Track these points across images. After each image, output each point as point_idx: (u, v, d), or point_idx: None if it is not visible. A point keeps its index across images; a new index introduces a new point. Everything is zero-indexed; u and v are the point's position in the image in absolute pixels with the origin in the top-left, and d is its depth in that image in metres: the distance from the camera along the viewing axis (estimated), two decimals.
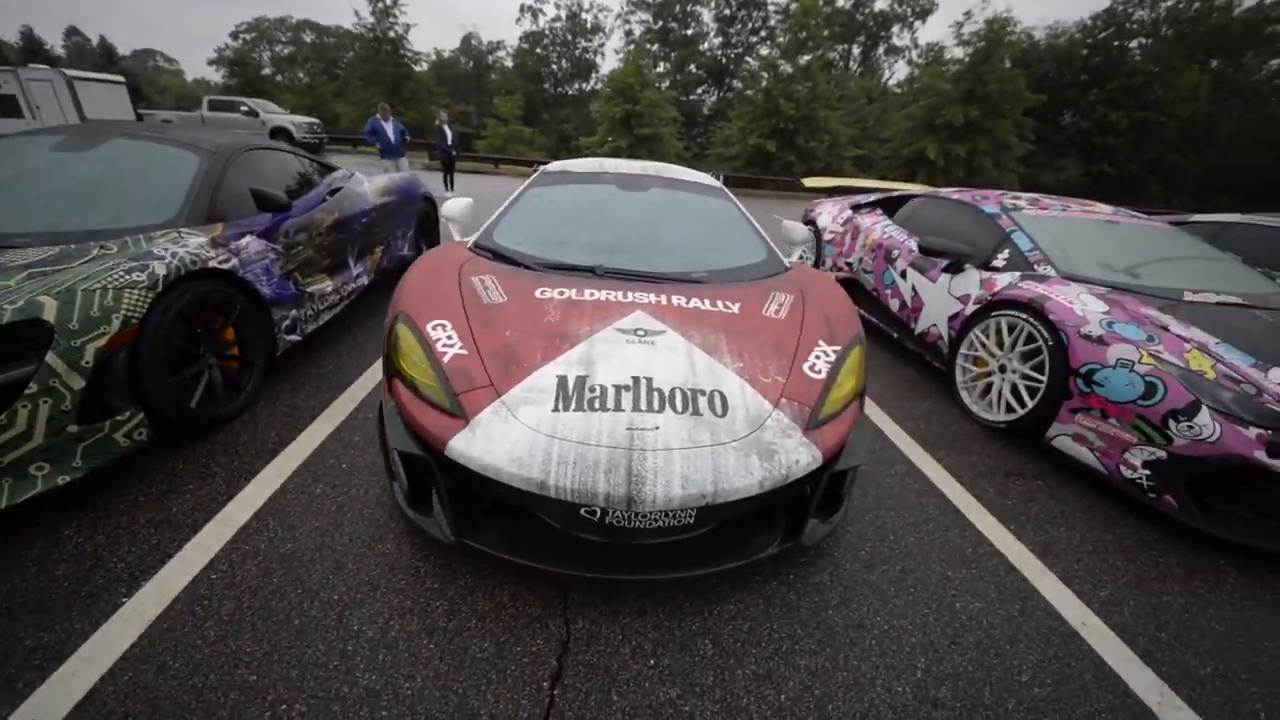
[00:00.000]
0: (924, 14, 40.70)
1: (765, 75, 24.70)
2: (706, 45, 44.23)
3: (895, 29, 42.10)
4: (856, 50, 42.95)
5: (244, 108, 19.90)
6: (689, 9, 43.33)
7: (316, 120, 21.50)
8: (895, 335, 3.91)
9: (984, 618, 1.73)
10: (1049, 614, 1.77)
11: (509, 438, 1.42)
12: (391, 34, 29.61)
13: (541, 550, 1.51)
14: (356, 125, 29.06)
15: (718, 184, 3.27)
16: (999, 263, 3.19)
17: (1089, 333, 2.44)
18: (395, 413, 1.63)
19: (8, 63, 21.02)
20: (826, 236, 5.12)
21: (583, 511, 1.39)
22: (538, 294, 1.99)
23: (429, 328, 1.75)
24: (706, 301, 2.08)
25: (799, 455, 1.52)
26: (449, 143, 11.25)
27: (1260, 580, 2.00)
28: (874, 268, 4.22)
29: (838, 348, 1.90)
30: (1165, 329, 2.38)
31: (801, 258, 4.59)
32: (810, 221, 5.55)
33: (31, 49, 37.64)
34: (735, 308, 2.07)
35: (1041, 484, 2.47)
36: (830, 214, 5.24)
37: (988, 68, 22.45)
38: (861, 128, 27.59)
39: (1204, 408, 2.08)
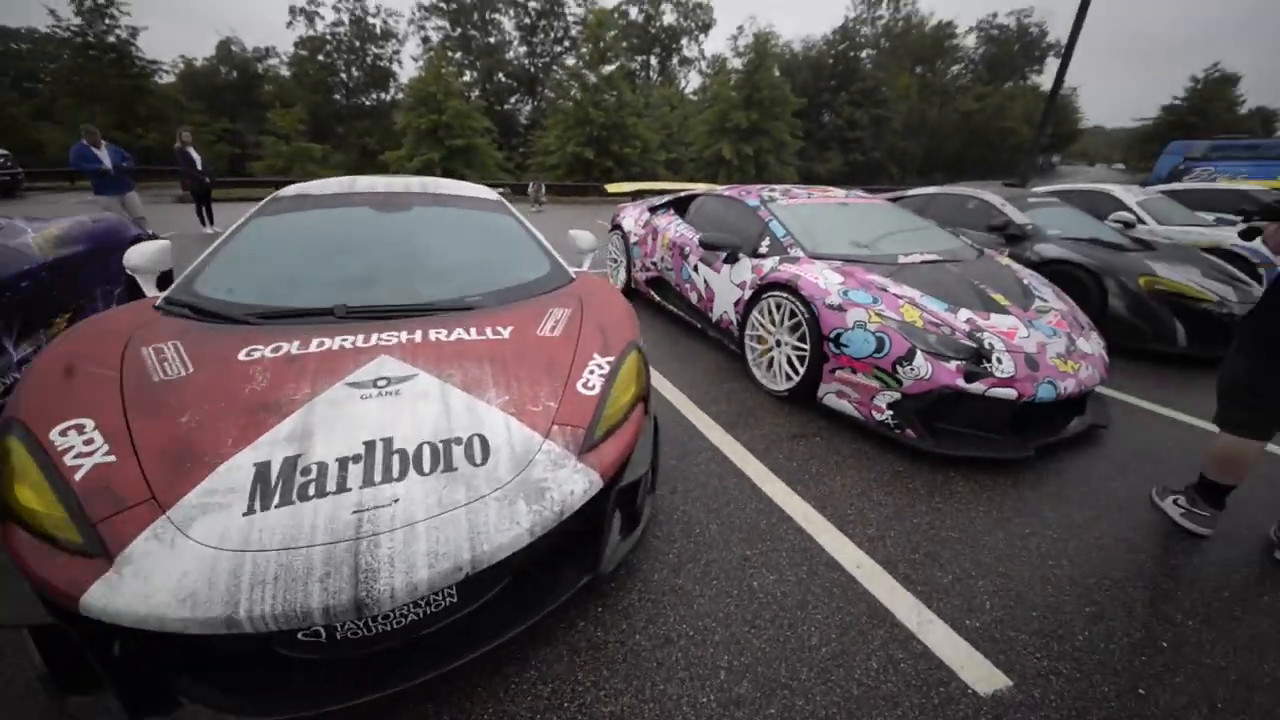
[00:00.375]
0: (706, 28, 45.25)
1: (573, 84, 25.32)
2: (512, 54, 43.80)
3: (684, 41, 46.23)
4: (655, 61, 46.17)
5: None
6: (488, 16, 42.42)
7: (3, 151, 16.39)
8: (699, 326, 4.17)
9: (778, 589, 1.81)
10: (831, 566, 1.93)
11: (176, 569, 1.09)
12: (111, 38, 23.89)
13: (267, 699, 1.19)
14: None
15: (495, 197, 3.11)
16: (763, 250, 3.56)
17: (831, 302, 2.82)
18: (10, 567, 1.15)
19: None
20: (632, 239, 5.30)
21: (300, 636, 1.13)
22: (242, 356, 1.61)
23: (54, 434, 1.29)
24: (473, 330, 1.88)
25: (573, 485, 1.39)
26: (199, 168, 9.29)
27: (978, 482, 2.47)
28: (674, 265, 4.45)
29: (611, 358, 1.84)
30: (885, 290, 2.85)
31: (621, 263, 4.63)
32: (617, 226, 5.71)
33: None
34: (507, 332, 1.90)
35: (820, 440, 2.79)
36: (632, 217, 5.43)
37: (760, 76, 25.93)
38: (668, 133, 29.87)
39: (918, 352, 2.52)
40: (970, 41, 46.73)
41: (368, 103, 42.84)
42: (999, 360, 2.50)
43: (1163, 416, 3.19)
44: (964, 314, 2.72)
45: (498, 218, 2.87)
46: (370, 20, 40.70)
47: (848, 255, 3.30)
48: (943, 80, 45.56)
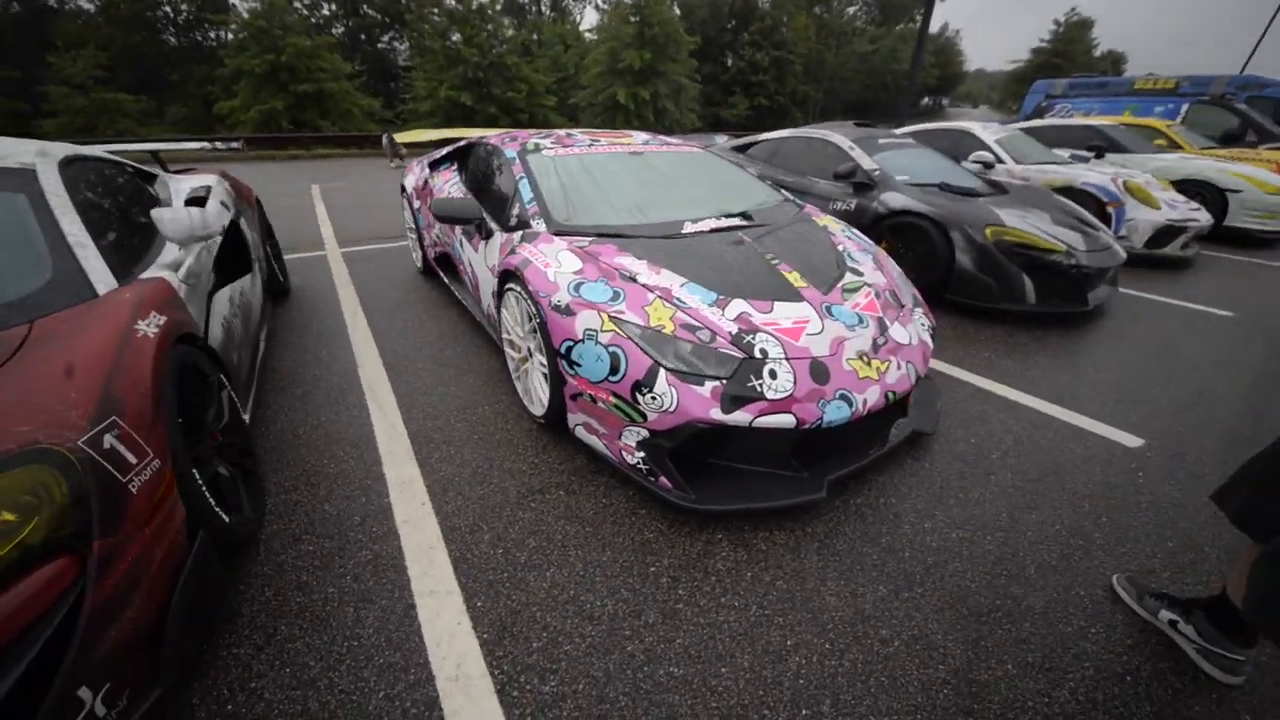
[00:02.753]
0: None
1: (440, 18, 22.10)
2: None
3: None
4: None
5: None
6: None
7: None
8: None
9: None
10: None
11: None
12: None
13: None
14: None
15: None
16: (514, 220, 2.59)
17: (558, 302, 1.93)
18: None
19: None
20: (415, 205, 4.13)
21: None
22: None
23: None
24: None
25: None
26: None
27: (748, 548, 1.74)
28: (449, 238, 3.39)
29: None
30: (633, 280, 2.00)
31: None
32: (402, 188, 4.48)
33: None
34: None
35: (562, 495, 1.96)
36: (414, 178, 4.23)
37: (651, 10, 23.93)
38: (563, 76, 27.35)
39: (661, 372, 1.71)
40: None
41: (207, 44, 35.79)
42: (771, 374, 1.75)
43: (1005, 400, 2.66)
44: (736, 307, 1.94)
45: None
46: None
47: (608, 227, 2.40)
48: (839, 21, 45.30)
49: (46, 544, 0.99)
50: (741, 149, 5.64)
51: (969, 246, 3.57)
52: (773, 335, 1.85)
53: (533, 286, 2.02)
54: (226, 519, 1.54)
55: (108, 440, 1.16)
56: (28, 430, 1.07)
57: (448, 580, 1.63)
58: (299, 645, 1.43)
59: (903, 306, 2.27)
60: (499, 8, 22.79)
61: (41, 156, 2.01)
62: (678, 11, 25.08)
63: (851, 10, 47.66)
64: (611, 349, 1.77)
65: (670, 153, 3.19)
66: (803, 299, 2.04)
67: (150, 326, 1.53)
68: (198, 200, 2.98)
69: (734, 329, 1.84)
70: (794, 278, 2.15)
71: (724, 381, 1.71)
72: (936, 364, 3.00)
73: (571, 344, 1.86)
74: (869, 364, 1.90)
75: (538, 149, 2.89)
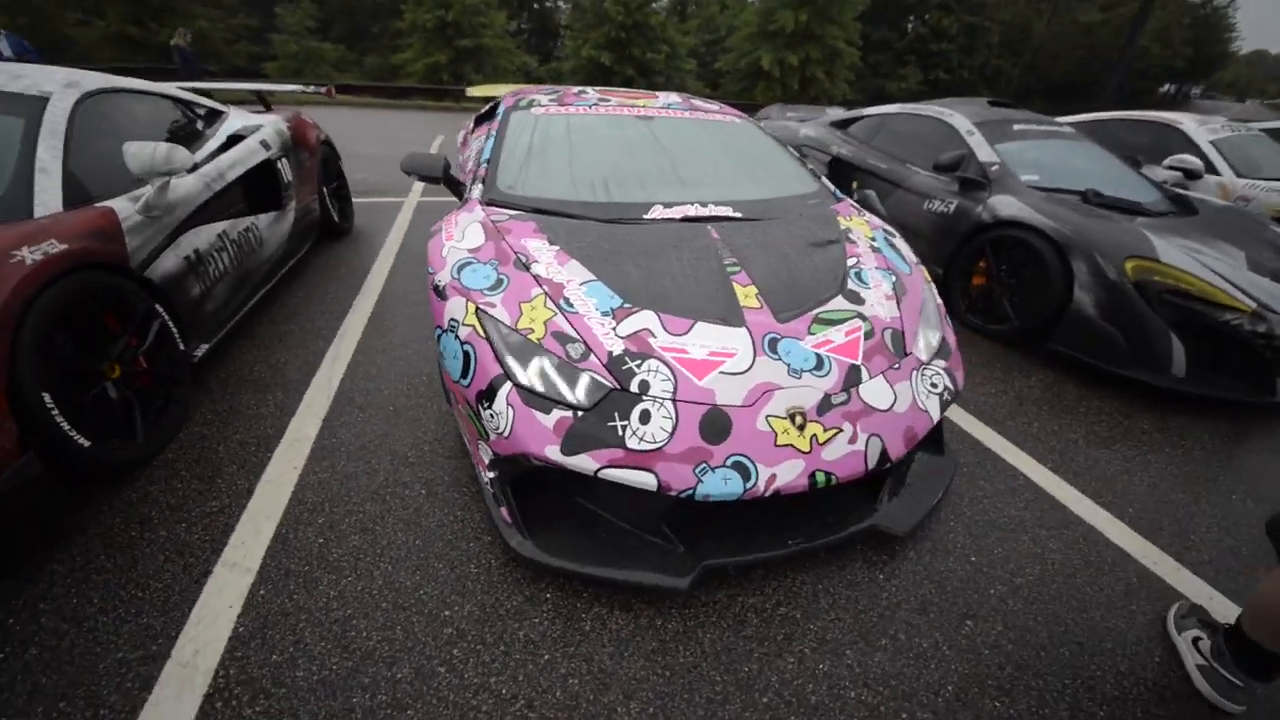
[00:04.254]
0: None
1: None
2: None
3: None
4: None
5: None
6: None
7: (25, 41, 16.16)
8: None
9: None
10: None
11: None
12: None
13: None
14: (98, 52, 22.56)
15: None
16: (470, 181, 2.31)
17: (438, 283, 1.64)
18: None
19: None
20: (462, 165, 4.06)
21: None
22: None
23: None
24: None
25: None
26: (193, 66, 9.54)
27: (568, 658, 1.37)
28: None
29: None
30: (528, 268, 1.63)
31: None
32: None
33: None
34: None
35: (423, 494, 1.73)
36: (463, 132, 4.13)
37: None
38: (714, 38, 26.05)
39: (506, 386, 1.37)
40: None
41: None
42: (643, 417, 1.31)
43: (1064, 512, 1.88)
44: (639, 321, 1.49)
45: None
46: None
47: (552, 201, 2.01)
48: None
49: None
50: (843, 124, 4.76)
51: (1095, 282, 2.59)
52: (668, 366, 1.40)
53: (428, 260, 1.75)
54: (84, 442, 1.55)
55: None
56: None
57: (255, 557, 1.50)
58: (103, 579, 1.42)
59: (904, 355, 1.62)
60: None
61: (68, 88, 2.16)
62: None
63: None
64: (466, 346, 1.46)
65: (690, 120, 2.66)
66: (742, 323, 1.53)
67: (35, 254, 1.56)
68: (237, 138, 3.15)
69: (618, 349, 1.42)
70: (746, 293, 1.62)
71: (578, 414, 1.32)
72: (982, 433, 2.24)
73: (440, 332, 1.57)
74: (801, 428, 1.36)
75: (530, 105, 2.56)
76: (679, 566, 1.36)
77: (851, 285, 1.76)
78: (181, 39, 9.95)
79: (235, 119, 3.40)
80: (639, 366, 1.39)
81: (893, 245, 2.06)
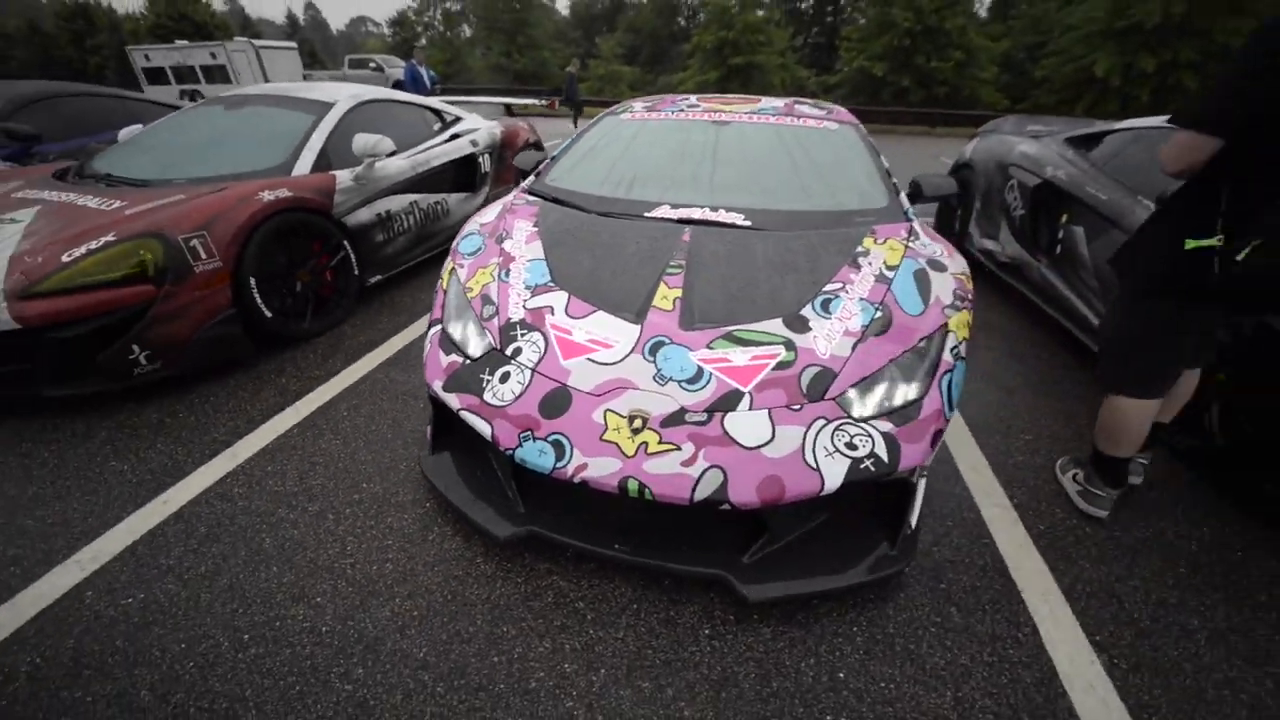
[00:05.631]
0: None
1: None
2: None
3: None
4: None
5: (372, 64, 22.66)
6: None
7: (435, 74, 23.78)
8: None
9: None
10: None
11: None
12: None
13: None
14: (482, 76, 31.40)
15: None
16: None
17: (454, 245, 2.05)
18: None
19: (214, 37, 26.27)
20: None
21: None
22: None
23: None
24: None
25: None
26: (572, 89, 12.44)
27: None
28: None
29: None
30: (501, 241, 1.91)
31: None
32: None
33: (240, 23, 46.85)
34: None
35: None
36: None
37: None
38: (1040, 38, 21.40)
39: (435, 329, 1.73)
40: None
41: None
42: (504, 377, 1.48)
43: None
44: (550, 299, 1.63)
45: None
46: None
47: (574, 194, 2.23)
48: None
49: (143, 274, 2.04)
50: (1086, 141, 3.67)
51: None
52: (546, 340, 1.52)
53: None
54: (267, 314, 2.50)
55: (194, 242, 2.12)
56: (166, 223, 2.14)
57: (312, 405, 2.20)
58: (152, 452, 1.98)
59: (819, 399, 1.37)
60: None
61: (351, 98, 3.34)
62: None
63: None
64: (438, 294, 1.85)
65: (771, 125, 2.52)
66: (640, 321, 1.54)
67: (270, 195, 2.50)
68: (455, 136, 4.22)
69: (517, 317, 1.60)
70: (665, 295, 1.60)
71: (465, 362, 1.57)
72: (1026, 562, 1.63)
73: None
74: (634, 431, 1.34)
75: (621, 111, 2.81)
76: (499, 521, 1.48)
77: (806, 312, 1.55)
78: (574, 67, 13.12)
79: (468, 123, 4.53)
80: (523, 336, 1.54)
81: (921, 279, 1.67)
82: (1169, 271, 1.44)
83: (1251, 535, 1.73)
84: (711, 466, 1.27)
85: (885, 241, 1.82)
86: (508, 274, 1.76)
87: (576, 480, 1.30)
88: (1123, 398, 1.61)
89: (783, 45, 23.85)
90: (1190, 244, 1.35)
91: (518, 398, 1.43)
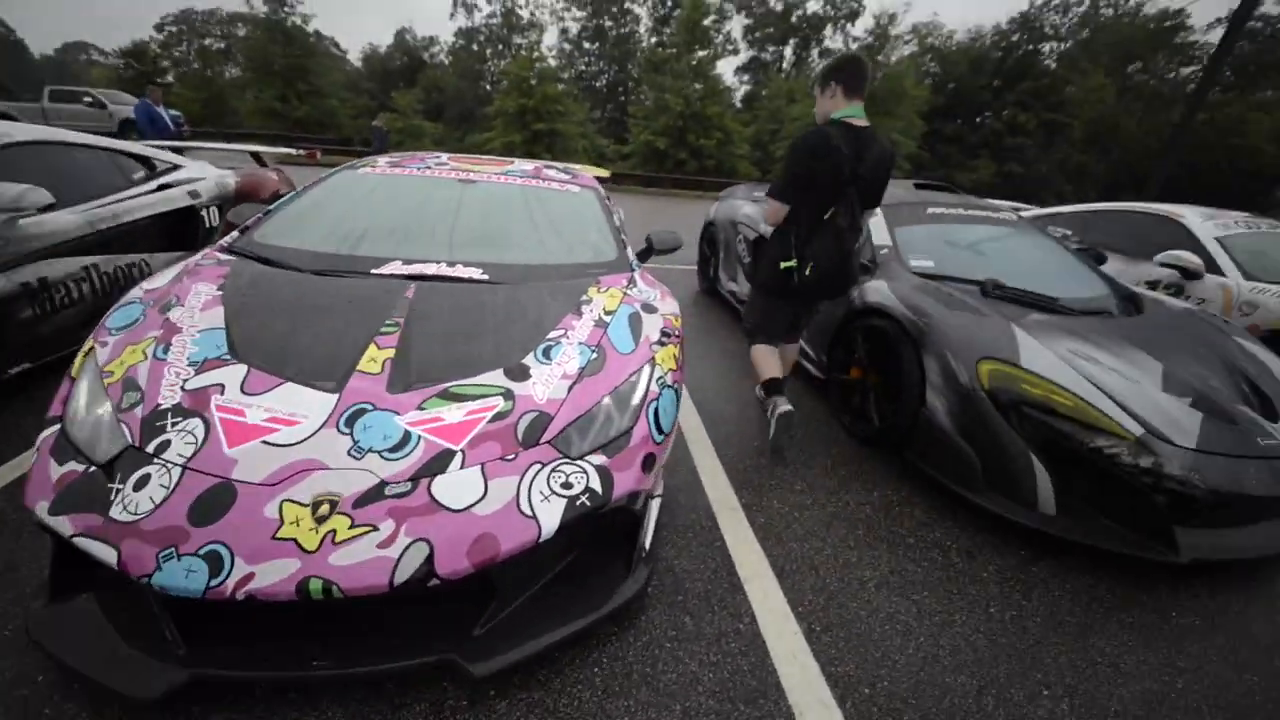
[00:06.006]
0: (853, 16, 40.74)
1: (656, 74, 24.10)
2: (644, 43, 43.59)
3: (828, 30, 42.12)
4: (789, 52, 42.87)
5: (88, 99, 18.25)
6: (625, 6, 42.60)
7: (178, 113, 20.05)
8: None
9: None
10: None
11: None
12: (290, 23, 28.27)
13: None
14: (252, 120, 27.61)
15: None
16: None
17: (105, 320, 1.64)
18: None
19: None
20: None
21: None
22: None
23: None
24: None
25: None
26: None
27: None
28: None
29: None
30: (167, 310, 1.60)
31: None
32: None
33: None
34: None
35: None
36: None
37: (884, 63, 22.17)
38: (775, 128, 27.15)
39: (52, 431, 1.30)
40: (1213, 38, 35.71)
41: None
42: (140, 483, 1.17)
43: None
44: (225, 375, 1.39)
45: None
46: (520, 12, 43.16)
47: (281, 251, 2.02)
48: (1163, 83, 35.56)
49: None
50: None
51: (945, 386, 2.17)
52: (207, 426, 1.26)
53: None
54: None
55: None
56: None
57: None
58: None
59: (535, 444, 1.37)
60: (708, 60, 23.95)
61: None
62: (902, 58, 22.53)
63: (1187, 71, 37.02)
64: (65, 383, 1.42)
65: (517, 187, 2.65)
66: (338, 389, 1.37)
67: None
68: (164, 186, 3.53)
69: (170, 403, 1.31)
70: (376, 357, 1.48)
71: (90, 470, 1.21)
72: (744, 551, 1.84)
73: None
74: (321, 521, 1.15)
75: (360, 165, 2.67)
76: (165, 672, 1.14)
77: (528, 360, 1.57)
78: (381, 121, 13.15)
79: (190, 171, 3.83)
80: (174, 426, 1.26)
81: (634, 322, 1.83)
82: (771, 280, 2.34)
83: (904, 492, 2.24)
84: (415, 540, 1.15)
85: (607, 290, 1.98)
86: (166, 350, 1.44)
87: (240, 596, 1.06)
88: (755, 345, 2.51)
89: (581, 117, 25.98)
90: (783, 265, 2.23)
91: (158, 506, 1.14)
